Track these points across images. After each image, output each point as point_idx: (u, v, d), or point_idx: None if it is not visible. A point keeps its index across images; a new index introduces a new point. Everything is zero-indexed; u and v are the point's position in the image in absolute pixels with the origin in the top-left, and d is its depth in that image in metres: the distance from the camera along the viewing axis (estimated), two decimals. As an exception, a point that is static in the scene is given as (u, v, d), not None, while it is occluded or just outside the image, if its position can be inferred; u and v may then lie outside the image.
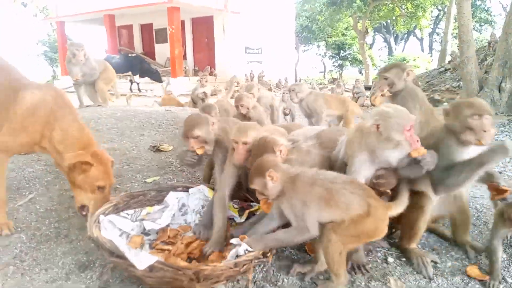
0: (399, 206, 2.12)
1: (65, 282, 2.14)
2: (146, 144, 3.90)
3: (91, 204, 2.46)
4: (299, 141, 2.42)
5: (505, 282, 2.16)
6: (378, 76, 3.06)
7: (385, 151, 2.09)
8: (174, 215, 2.53)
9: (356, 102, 11.92)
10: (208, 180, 3.07)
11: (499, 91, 11.40)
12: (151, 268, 1.81)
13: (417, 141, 2.04)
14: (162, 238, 2.34)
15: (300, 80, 28.46)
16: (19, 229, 2.66)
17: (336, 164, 2.35)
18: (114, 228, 2.21)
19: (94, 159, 2.48)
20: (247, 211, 2.54)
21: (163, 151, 3.76)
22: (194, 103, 7.52)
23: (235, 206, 2.65)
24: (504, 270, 2.27)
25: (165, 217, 2.43)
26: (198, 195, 2.68)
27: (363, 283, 2.14)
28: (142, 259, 1.80)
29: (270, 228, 2.18)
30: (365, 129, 2.14)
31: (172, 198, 2.59)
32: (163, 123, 4.49)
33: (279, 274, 2.18)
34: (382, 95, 2.91)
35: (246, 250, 1.94)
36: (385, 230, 2.04)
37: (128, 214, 2.36)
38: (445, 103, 13.83)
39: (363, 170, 2.17)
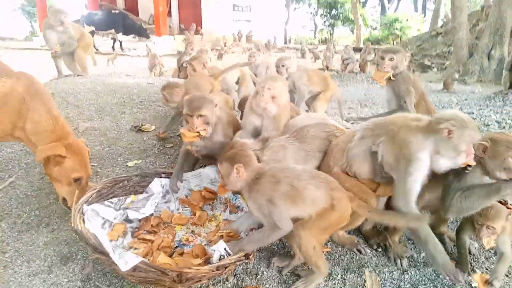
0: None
1: (47, 275, 2.16)
2: (128, 123, 3.82)
3: (68, 197, 2.44)
4: (271, 139, 2.42)
5: (474, 273, 2.26)
6: (382, 55, 3.13)
7: (444, 158, 2.00)
8: (157, 203, 2.54)
9: (346, 68, 11.82)
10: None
11: (488, 58, 11.39)
12: (134, 268, 1.83)
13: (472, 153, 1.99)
14: (145, 227, 2.36)
15: (289, 40, 27.83)
16: (0, 216, 2.66)
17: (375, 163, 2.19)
18: (97, 217, 2.21)
19: (68, 150, 2.44)
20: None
21: (145, 131, 3.70)
22: (179, 71, 7.33)
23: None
24: (474, 261, 2.38)
25: (148, 206, 2.43)
26: (183, 183, 2.68)
27: (339, 275, 2.21)
28: (126, 260, 1.82)
29: (245, 225, 2.23)
30: (432, 130, 2.02)
31: (157, 185, 2.58)
32: (145, 99, 4.37)
33: (259, 267, 2.24)
34: (387, 76, 3.10)
35: (226, 249, 1.97)
36: (348, 218, 2.08)
37: (112, 203, 2.36)
38: (434, 69, 13.80)
39: (423, 171, 2.04)
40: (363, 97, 8.23)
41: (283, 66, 4.35)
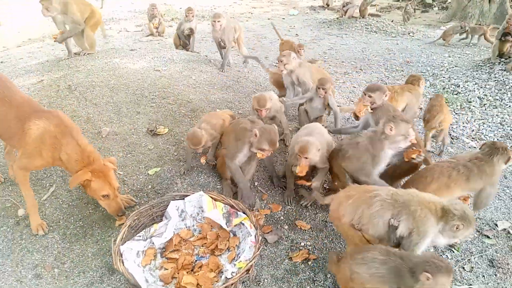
0: None
1: (100, 284, 2.86)
2: (143, 125, 4.30)
3: (106, 208, 3.14)
4: None
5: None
6: (364, 91, 3.69)
7: (444, 239, 2.63)
8: (176, 224, 3.16)
9: (345, 13, 11.63)
10: None
11: (489, 1, 11.18)
12: None
13: None
14: (170, 248, 3.01)
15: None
16: (51, 228, 3.29)
17: None
18: (131, 251, 2.85)
19: (93, 174, 2.99)
20: (235, 220, 3.15)
21: (159, 134, 4.18)
22: (179, 38, 7.45)
23: (224, 210, 3.25)
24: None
25: (169, 230, 3.06)
26: (194, 203, 3.26)
27: (322, 281, 2.91)
28: None
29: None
30: (445, 219, 2.56)
31: (173, 208, 3.18)
32: (156, 95, 4.76)
33: (261, 275, 2.93)
34: (366, 109, 3.68)
35: (233, 272, 2.64)
36: None
37: (140, 236, 2.98)
38: (436, 8, 13.47)
39: (428, 243, 2.66)
40: (360, 54, 8.36)
41: (281, 62, 4.55)
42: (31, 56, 7.68)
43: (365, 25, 10.94)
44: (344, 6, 11.66)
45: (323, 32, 10.48)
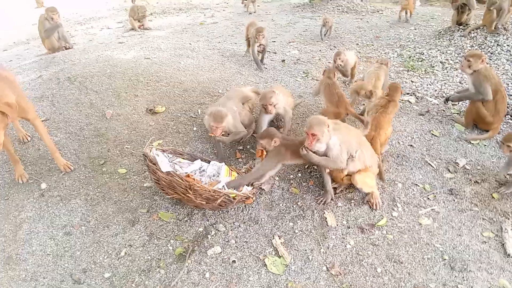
0: None
1: (123, 234, 3.37)
2: (142, 106, 4.79)
3: None
4: None
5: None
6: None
7: None
8: (195, 172, 3.73)
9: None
10: None
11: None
12: (167, 173, 3.23)
13: None
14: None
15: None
16: (73, 195, 3.77)
17: None
18: (158, 158, 3.46)
19: None
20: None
21: (158, 112, 4.69)
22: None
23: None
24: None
25: (190, 168, 3.72)
26: (215, 167, 3.82)
27: (310, 216, 3.49)
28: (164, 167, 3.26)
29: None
30: None
31: (198, 163, 3.83)
32: (150, 80, 5.26)
33: (258, 214, 3.50)
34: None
35: (224, 187, 3.33)
36: None
37: (168, 156, 3.72)
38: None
39: None
40: (333, 34, 8.83)
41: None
42: (20, 58, 8.00)
43: (336, 6, 11.52)
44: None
45: (297, 15, 11.01)
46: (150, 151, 3.49)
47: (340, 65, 5.43)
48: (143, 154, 3.42)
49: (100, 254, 3.21)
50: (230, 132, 4.05)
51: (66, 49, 7.38)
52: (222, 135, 3.92)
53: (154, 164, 3.32)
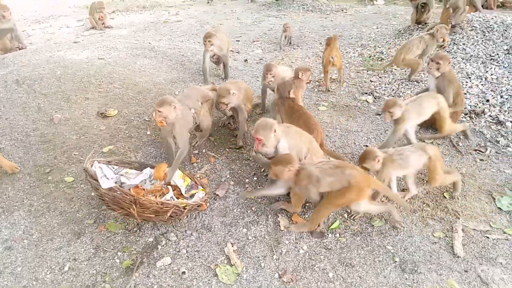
0: None
1: (68, 247, 3.20)
2: (93, 110, 4.58)
3: None
4: None
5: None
6: None
7: None
8: (145, 182, 3.57)
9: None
10: None
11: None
12: (110, 189, 3.05)
13: None
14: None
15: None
16: (16, 206, 3.56)
17: None
18: (101, 172, 3.29)
19: None
20: (193, 191, 3.58)
21: (109, 116, 4.50)
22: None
23: (190, 183, 3.67)
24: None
25: (138, 179, 3.52)
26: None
27: (264, 221, 3.43)
28: (104, 183, 3.06)
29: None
30: None
31: (147, 171, 3.64)
32: (102, 81, 5.04)
33: (212, 220, 3.40)
34: None
35: (172, 197, 3.14)
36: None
37: (113, 168, 3.49)
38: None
39: None
40: (297, 32, 8.78)
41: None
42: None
43: (302, 5, 11.54)
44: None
45: (262, 14, 10.96)
46: (92, 165, 3.30)
47: (271, 81, 4.50)
48: (84, 169, 3.23)
49: (43, 269, 3.03)
50: (174, 130, 3.70)
51: (19, 49, 7.00)
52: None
53: (95, 179, 3.16)
